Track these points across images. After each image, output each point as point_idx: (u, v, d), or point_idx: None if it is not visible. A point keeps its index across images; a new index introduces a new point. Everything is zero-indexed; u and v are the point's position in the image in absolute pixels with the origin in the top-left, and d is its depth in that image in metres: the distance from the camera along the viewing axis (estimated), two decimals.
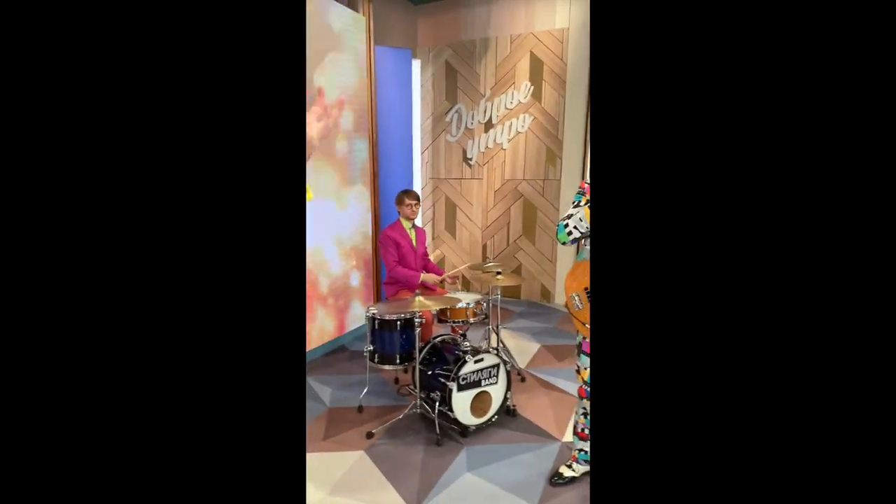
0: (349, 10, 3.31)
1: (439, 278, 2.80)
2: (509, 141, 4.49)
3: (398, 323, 2.40)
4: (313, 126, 2.97)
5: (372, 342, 2.45)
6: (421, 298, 2.33)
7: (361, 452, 2.14)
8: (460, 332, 2.62)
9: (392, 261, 2.77)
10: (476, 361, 2.27)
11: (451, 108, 4.72)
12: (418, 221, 4.91)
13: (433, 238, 5.05)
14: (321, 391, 2.73)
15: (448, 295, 2.76)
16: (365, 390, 2.59)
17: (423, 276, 2.74)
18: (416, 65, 4.62)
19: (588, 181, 1.70)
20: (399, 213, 2.89)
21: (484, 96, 4.55)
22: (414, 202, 2.84)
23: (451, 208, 4.91)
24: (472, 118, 4.63)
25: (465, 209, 4.84)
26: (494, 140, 4.56)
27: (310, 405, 2.56)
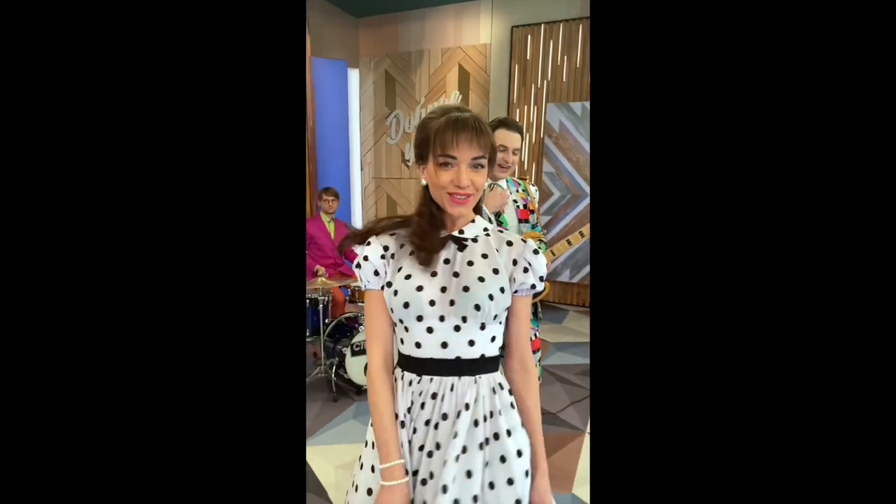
0: None
1: (325, 274, 3.13)
2: None
3: (307, 301, 2.81)
4: None
5: None
6: (323, 279, 2.75)
7: None
8: None
9: None
10: None
11: (391, 114, 5.15)
12: (357, 216, 5.33)
13: None
14: None
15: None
16: None
17: (317, 268, 3.12)
18: (354, 74, 5.03)
19: None
20: (319, 207, 3.30)
21: (419, 103, 4.99)
22: (331, 198, 3.26)
23: (392, 205, 5.34)
24: (410, 123, 5.06)
25: (405, 206, 5.27)
26: None
27: None
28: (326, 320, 2.81)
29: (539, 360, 1.83)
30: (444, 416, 0.81)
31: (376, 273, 0.86)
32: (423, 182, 0.87)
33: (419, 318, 0.82)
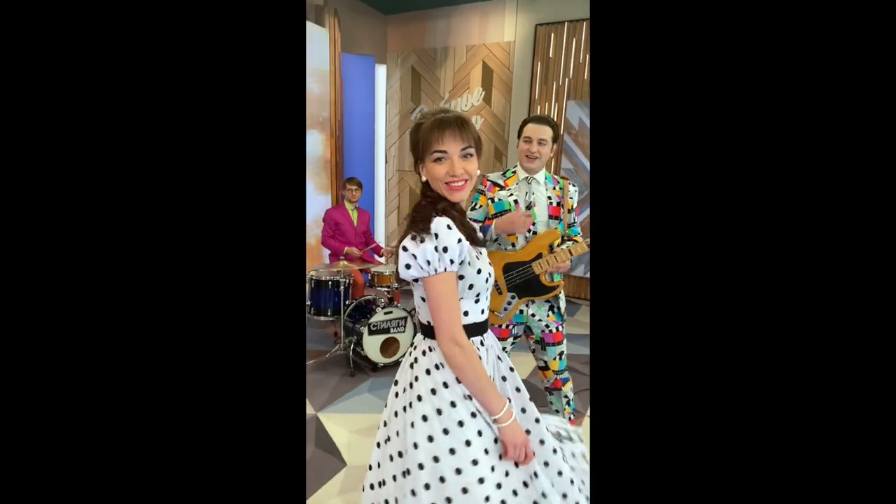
0: (312, 25, 3.92)
1: (359, 252, 3.35)
2: None
3: (329, 283, 3.01)
4: None
5: (310, 298, 3.07)
6: (345, 262, 2.94)
7: None
8: (389, 295, 3.22)
9: (324, 235, 3.39)
10: (386, 313, 2.89)
11: (416, 109, 5.31)
12: (381, 206, 5.52)
13: (398, 224, 5.66)
14: None
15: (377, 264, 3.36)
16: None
17: (347, 249, 3.33)
18: (381, 70, 5.20)
19: (489, 178, 1.87)
20: (344, 196, 3.50)
21: (443, 99, 5.13)
22: (354, 188, 3.45)
23: (414, 196, 5.47)
24: None
25: None
26: None
27: None
28: (347, 301, 3.00)
29: (561, 353, 1.88)
30: (499, 358, 1.08)
31: (459, 255, 0.95)
32: (424, 179, 1.01)
33: (488, 290, 1.04)
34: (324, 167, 4.25)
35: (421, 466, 0.95)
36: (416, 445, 0.96)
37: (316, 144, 4.12)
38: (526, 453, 0.98)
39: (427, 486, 0.94)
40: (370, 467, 1.11)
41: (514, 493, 0.99)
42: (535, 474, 1.01)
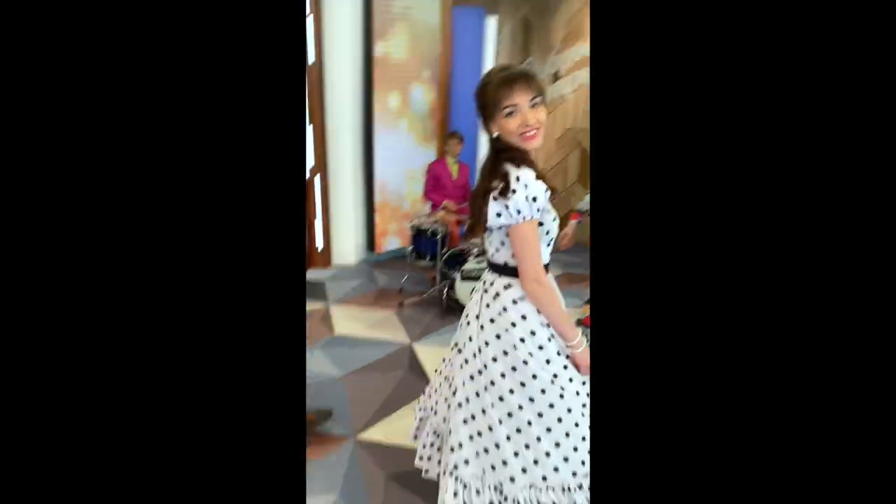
0: None
1: (454, 206, 3.46)
2: (573, 92, 4.89)
3: (428, 231, 3.29)
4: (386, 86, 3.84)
5: (412, 243, 3.40)
6: (442, 213, 3.19)
7: (391, 313, 3.16)
8: (481, 246, 3.42)
9: (426, 187, 3.63)
10: (478, 262, 3.10)
11: (525, 60, 5.20)
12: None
13: None
14: (379, 278, 3.81)
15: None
16: (405, 277, 3.60)
17: (445, 203, 3.51)
18: (492, 21, 5.15)
19: None
20: (445, 150, 3.69)
21: (554, 49, 4.95)
22: (455, 142, 3.61)
23: None
24: (543, 70, 5.08)
25: None
26: (560, 92, 4.99)
27: (367, 286, 3.65)
28: (443, 250, 3.27)
29: None
30: None
31: (543, 204, 1.06)
32: (495, 134, 1.11)
33: (556, 234, 1.18)
34: (429, 120, 4.46)
35: (535, 377, 1.14)
36: (525, 362, 1.14)
37: (422, 97, 4.33)
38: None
39: (543, 391, 1.15)
40: (459, 404, 1.21)
41: (583, 384, 1.22)
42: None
